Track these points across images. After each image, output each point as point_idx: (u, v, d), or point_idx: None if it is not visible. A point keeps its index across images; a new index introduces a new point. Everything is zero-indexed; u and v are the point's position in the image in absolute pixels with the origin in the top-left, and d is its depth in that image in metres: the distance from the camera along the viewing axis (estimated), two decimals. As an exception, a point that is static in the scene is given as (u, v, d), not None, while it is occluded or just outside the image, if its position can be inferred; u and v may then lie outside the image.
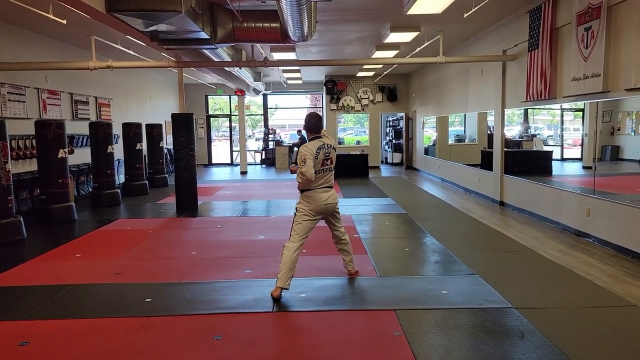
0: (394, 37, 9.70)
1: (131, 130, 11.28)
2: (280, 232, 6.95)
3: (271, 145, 18.83)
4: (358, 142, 18.95)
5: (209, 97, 19.41)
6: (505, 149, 9.62)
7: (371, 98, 17.34)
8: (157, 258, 5.79)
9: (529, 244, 6.20)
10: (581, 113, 13.17)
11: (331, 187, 4.63)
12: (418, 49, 9.95)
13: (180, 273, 5.11)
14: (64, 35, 9.58)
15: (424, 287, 4.56)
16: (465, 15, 7.31)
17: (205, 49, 8.03)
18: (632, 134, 10.79)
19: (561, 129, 13.97)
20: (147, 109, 14.87)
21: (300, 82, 17.89)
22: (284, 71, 15.02)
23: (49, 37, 9.68)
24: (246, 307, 4.13)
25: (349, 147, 17.74)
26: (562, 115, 13.80)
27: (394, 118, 18.56)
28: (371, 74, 16.22)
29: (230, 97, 19.36)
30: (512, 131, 13.36)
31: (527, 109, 10.04)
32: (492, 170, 9.85)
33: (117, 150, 11.13)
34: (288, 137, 21.40)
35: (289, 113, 26.39)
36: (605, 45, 5.74)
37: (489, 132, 14.01)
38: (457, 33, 9.93)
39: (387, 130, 19.19)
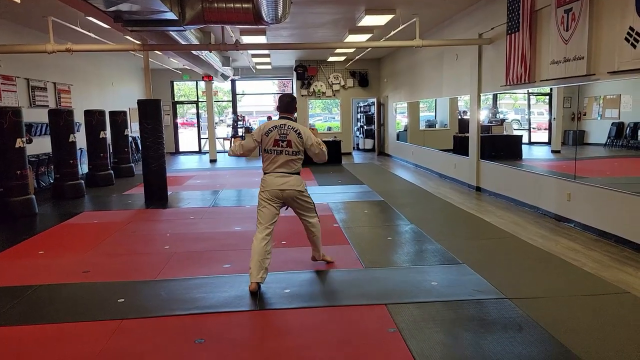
0: (368, 20, 9.46)
1: (94, 118, 10.72)
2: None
3: (240, 132, 18.38)
4: (329, 129, 18.71)
5: (174, 82, 18.76)
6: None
7: (342, 83, 17.10)
8: (127, 253, 5.45)
9: (510, 229, 6.14)
10: (547, 97, 13.36)
11: (292, 174, 4.27)
12: (392, 33, 9.72)
13: (154, 269, 4.81)
14: (18, 16, 8.94)
15: (413, 279, 4.40)
16: (444, -4, 7.15)
17: (173, 30, 7.60)
18: (599, 118, 10.94)
19: (528, 113, 14.11)
20: (110, 95, 14.22)
21: (269, 67, 17.46)
22: (254, 56, 14.59)
23: (1, 19, 9.01)
24: (228, 305, 3.88)
25: (321, 134, 17.45)
26: (528, 100, 13.94)
27: (365, 104, 18.39)
28: (342, 58, 15.95)
29: (197, 83, 18.77)
30: (480, 116, 13.41)
31: (497, 93, 10.00)
32: (464, 155, 9.83)
33: (80, 138, 10.56)
34: (257, 123, 20.96)
35: (257, 99, 25.91)
36: (589, 27, 5.66)
37: (459, 117, 14.06)
38: (432, 16, 9.77)
39: (359, 116, 19.01)
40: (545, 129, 13.60)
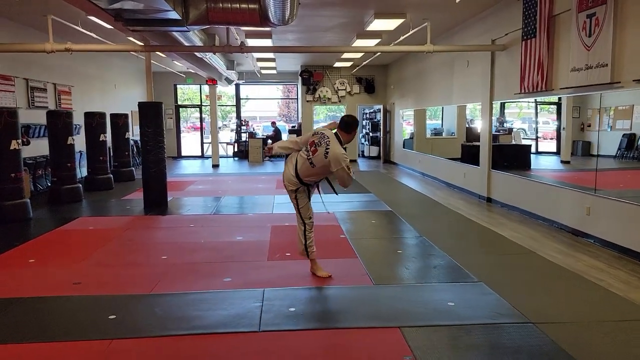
0: (377, 25, 9.19)
1: (94, 120, 10.45)
2: (260, 232, 6.40)
3: (244, 137, 18.12)
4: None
5: (178, 86, 18.52)
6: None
7: (348, 89, 16.82)
8: (122, 264, 5.14)
9: (527, 244, 5.82)
10: (553, 106, 13.09)
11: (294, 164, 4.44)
12: (402, 38, 9.43)
13: (149, 282, 4.50)
14: (17, 15, 8.69)
15: (428, 298, 4.08)
16: (458, 0, 6.87)
17: (176, 31, 7.32)
18: (609, 129, 10.67)
19: (536, 123, 13.84)
20: (111, 97, 13.97)
21: (274, 72, 17.21)
22: (259, 60, 14.34)
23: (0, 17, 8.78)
24: (227, 325, 3.56)
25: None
26: (536, 109, 13.67)
27: (371, 110, 18.10)
28: (349, 64, 15.68)
29: (200, 87, 18.54)
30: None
31: (504, 102, 9.71)
32: (473, 165, 9.54)
33: (79, 141, 10.30)
34: (261, 128, 20.70)
35: (261, 104, 25.63)
36: (613, 33, 5.37)
37: (467, 126, 13.77)
38: (442, 22, 9.48)
39: (364, 123, 18.70)
40: (551, 139, 13.36)
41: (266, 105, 26.80)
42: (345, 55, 13.75)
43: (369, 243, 5.93)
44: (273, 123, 18.53)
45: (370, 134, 17.88)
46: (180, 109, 19.17)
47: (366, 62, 14.04)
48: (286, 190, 4.57)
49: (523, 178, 7.94)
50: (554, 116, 13.13)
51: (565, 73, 6.30)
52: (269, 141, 17.64)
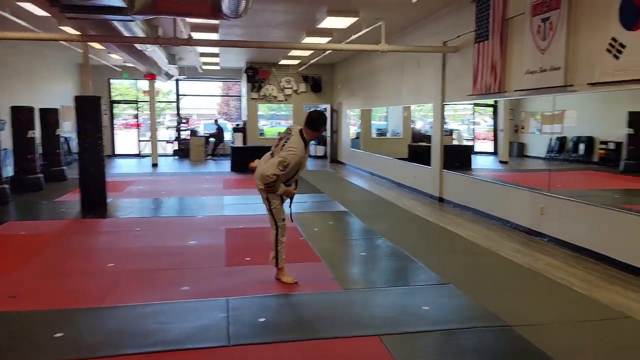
0: (329, 22, 9.02)
1: (22, 115, 9.58)
2: (213, 235, 6.06)
3: (184, 135, 17.43)
4: (279, 134, 18.11)
5: (111, 81, 17.50)
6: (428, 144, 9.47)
7: (294, 88, 16.56)
8: (63, 273, 4.64)
9: (484, 244, 5.85)
10: (488, 108, 13.64)
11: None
12: (353, 37, 9.33)
13: (98, 293, 4.07)
14: None
15: (401, 303, 3.95)
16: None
17: (119, 20, 6.78)
18: (537, 132, 11.22)
19: (473, 124, 14.33)
20: (40, 91, 12.91)
21: (217, 67, 16.64)
22: (202, 55, 13.78)
23: None
24: (192, 340, 3.25)
25: (273, 140, 16.84)
26: (473, 111, 14.14)
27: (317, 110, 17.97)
28: (296, 62, 15.44)
29: (136, 82, 17.63)
30: (425, 126, 13.54)
31: (445, 104, 9.90)
32: (419, 164, 9.68)
33: (4, 138, 9.41)
34: (202, 127, 20.02)
35: (198, 101, 24.77)
36: (566, 37, 5.50)
37: (412, 127, 14.01)
38: (395, 22, 9.45)
39: (309, 122, 18.54)
40: (484, 139, 13.90)
41: (205, 103, 26.00)
42: (293, 53, 13.50)
43: (330, 245, 5.75)
44: (216, 121, 17.99)
45: (316, 133, 17.74)
46: (113, 104, 18.11)
47: (314, 60, 13.85)
48: (257, 190, 4.28)
49: (476, 178, 8.06)
50: (487, 117, 13.69)
51: (519, 75, 6.41)
52: (211, 139, 17.09)
